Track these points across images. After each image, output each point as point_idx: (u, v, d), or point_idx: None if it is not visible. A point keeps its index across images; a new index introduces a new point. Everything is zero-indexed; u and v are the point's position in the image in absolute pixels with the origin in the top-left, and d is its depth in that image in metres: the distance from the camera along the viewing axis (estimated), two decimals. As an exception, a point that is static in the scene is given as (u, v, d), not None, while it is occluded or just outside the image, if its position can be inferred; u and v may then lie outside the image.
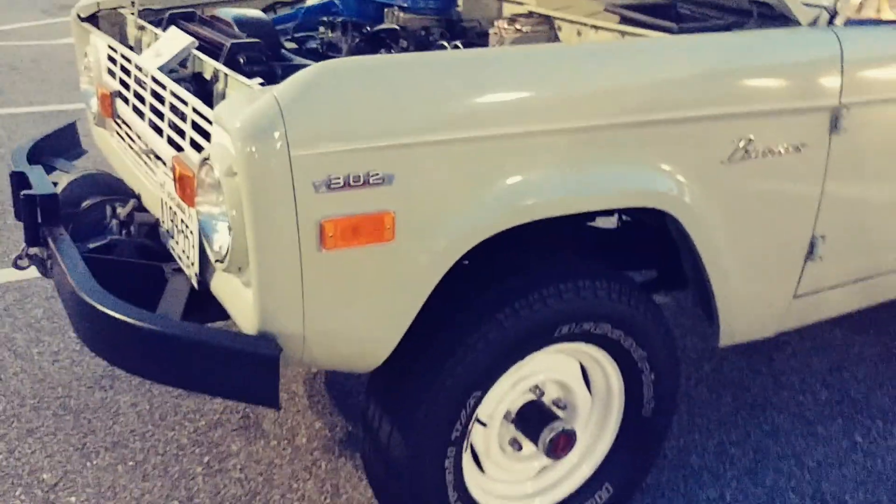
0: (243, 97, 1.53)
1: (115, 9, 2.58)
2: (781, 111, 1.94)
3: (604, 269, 1.90)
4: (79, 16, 2.58)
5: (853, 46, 2.02)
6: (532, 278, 1.81)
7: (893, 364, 3.10)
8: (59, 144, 2.60)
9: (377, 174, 1.50)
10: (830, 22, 2.04)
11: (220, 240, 1.60)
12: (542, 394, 1.98)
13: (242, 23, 2.10)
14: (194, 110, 1.73)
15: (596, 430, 2.10)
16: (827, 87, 1.99)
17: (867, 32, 2.08)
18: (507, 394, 1.92)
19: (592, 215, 2.18)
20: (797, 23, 2.01)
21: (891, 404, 2.85)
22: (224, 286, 1.69)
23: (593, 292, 1.84)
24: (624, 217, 2.38)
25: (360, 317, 1.60)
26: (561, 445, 1.92)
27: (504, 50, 1.85)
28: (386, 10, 2.47)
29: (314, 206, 1.47)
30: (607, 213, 2.05)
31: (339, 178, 1.48)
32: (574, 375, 2.02)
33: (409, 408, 1.75)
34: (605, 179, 1.76)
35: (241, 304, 1.60)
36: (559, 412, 2.00)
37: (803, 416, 2.76)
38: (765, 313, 2.20)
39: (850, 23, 2.06)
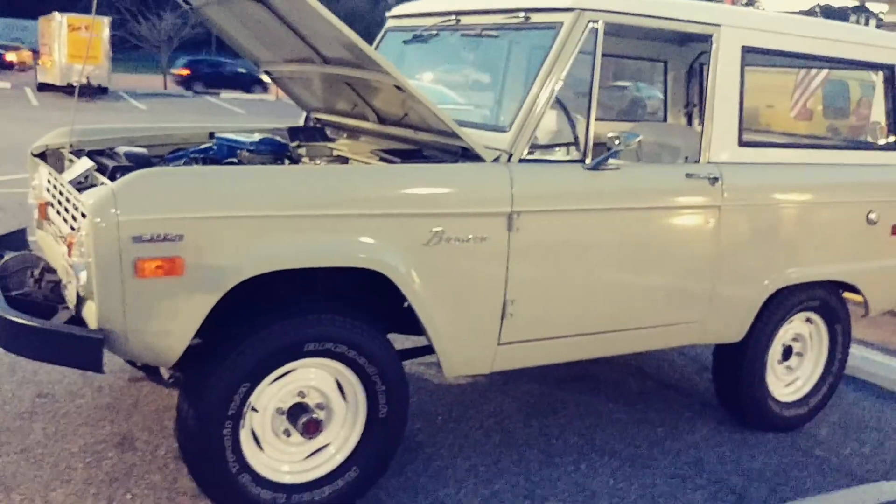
0: (99, 190, 2.60)
1: (57, 148, 3.71)
2: (466, 214, 3.00)
3: (342, 307, 2.91)
4: (32, 153, 3.71)
5: (521, 175, 3.10)
6: (286, 308, 2.83)
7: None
8: (13, 241, 3.66)
9: (172, 234, 2.55)
10: (509, 160, 3.14)
11: (83, 277, 2.62)
12: (305, 396, 2.94)
13: (128, 156, 3.21)
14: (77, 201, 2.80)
15: (349, 427, 3.03)
16: (501, 199, 3.05)
17: (532, 167, 3.16)
18: (276, 393, 2.88)
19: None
20: (483, 160, 3.11)
21: (606, 441, 3.77)
22: (87, 310, 2.70)
23: (331, 322, 2.85)
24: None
25: (160, 323, 2.60)
26: (311, 428, 2.88)
27: (260, 167, 2.95)
28: (239, 151, 3.59)
29: (132, 250, 2.51)
30: (346, 273, 3.02)
31: (148, 235, 2.52)
32: (330, 386, 2.98)
33: (198, 389, 2.73)
34: (338, 247, 2.80)
35: (92, 315, 2.60)
36: (318, 411, 2.96)
37: (547, 451, 3.68)
38: (476, 355, 3.18)
39: (522, 160, 3.16)
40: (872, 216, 4.03)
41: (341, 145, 3.87)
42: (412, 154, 3.33)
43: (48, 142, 3.74)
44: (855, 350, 5.16)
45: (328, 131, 4.21)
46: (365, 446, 3.04)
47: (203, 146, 3.83)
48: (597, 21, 3.22)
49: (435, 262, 2.98)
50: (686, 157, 3.78)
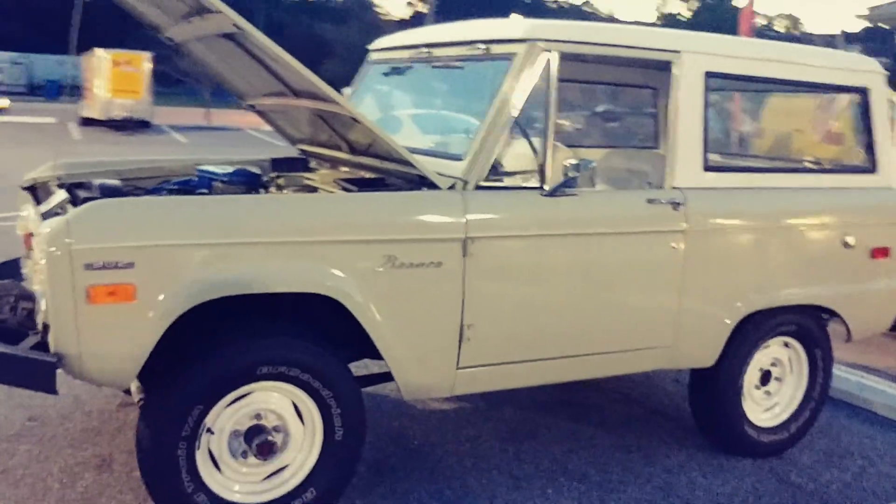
0: (54, 220, 2.73)
1: (45, 181, 3.88)
2: (419, 240, 3.08)
3: (295, 331, 3.01)
4: (21, 186, 3.89)
5: (475, 202, 3.18)
6: (238, 332, 2.93)
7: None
8: (7, 269, 3.83)
9: (123, 261, 2.67)
10: (465, 187, 3.22)
11: (43, 303, 2.76)
12: (261, 418, 3.03)
13: (102, 188, 3.36)
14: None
15: (306, 450, 3.11)
16: (455, 226, 3.13)
17: (488, 194, 3.24)
18: (233, 415, 2.98)
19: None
20: (438, 188, 3.19)
21: (578, 466, 3.80)
22: (50, 335, 2.83)
23: (284, 346, 2.95)
24: None
25: (113, 348, 2.71)
26: (265, 450, 2.98)
27: (211, 196, 3.07)
28: (213, 182, 3.73)
29: (84, 277, 2.64)
30: (295, 297, 3.10)
31: (100, 262, 2.65)
32: (287, 409, 3.07)
33: (153, 410, 2.85)
34: (287, 273, 2.90)
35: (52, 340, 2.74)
36: (274, 434, 3.04)
37: (517, 475, 3.72)
38: (435, 378, 3.24)
39: (479, 188, 3.24)
40: (849, 240, 4.02)
41: (318, 175, 3.99)
42: (373, 183, 3.43)
43: (37, 175, 3.92)
44: (850, 375, 5.12)
45: (314, 162, 4.34)
46: (322, 468, 3.11)
47: (185, 178, 3.98)
48: (551, 51, 3.30)
49: (389, 287, 3.06)
50: (650, 183, 3.82)
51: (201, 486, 2.94)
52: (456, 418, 4.32)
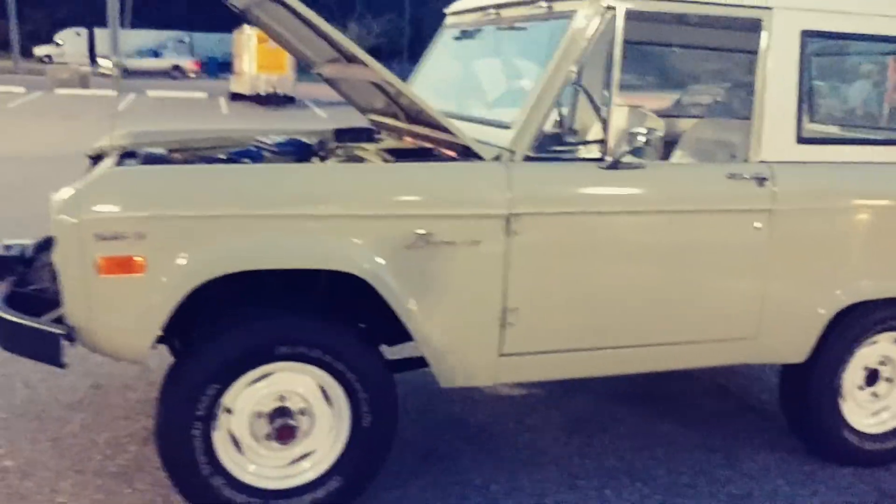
0: (67, 189, 2.65)
1: (107, 152, 3.87)
2: (454, 216, 2.83)
3: (317, 310, 2.83)
4: (87, 155, 3.89)
5: (522, 175, 2.90)
6: (256, 310, 2.77)
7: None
8: None
9: (133, 232, 2.57)
10: (511, 159, 2.94)
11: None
12: (285, 400, 2.87)
13: (145, 156, 3.28)
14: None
15: (334, 435, 2.94)
16: (497, 200, 2.86)
17: (538, 166, 2.95)
18: (254, 395, 2.83)
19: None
20: (482, 159, 2.93)
21: (646, 465, 3.45)
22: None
23: (303, 325, 2.78)
24: None
25: (124, 320, 2.62)
26: (284, 434, 2.82)
27: (229, 166, 2.93)
28: (264, 153, 3.60)
29: (94, 248, 2.55)
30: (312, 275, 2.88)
31: (110, 233, 2.55)
32: (314, 392, 2.90)
33: (168, 388, 2.74)
34: (303, 248, 2.72)
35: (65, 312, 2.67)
36: (300, 418, 2.88)
37: (574, 472, 3.42)
38: (474, 365, 2.99)
39: (527, 158, 2.95)
40: (979, 224, 3.46)
41: (372, 146, 3.79)
42: (419, 153, 3.20)
43: (103, 144, 3.91)
44: None
45: (383, 133, 4.15)
46: (349, 456, 2.93)
47: (242, 149, 3.88)
48: (615, 8, 2.95)
49: (419, 266, 2.83)
50: (734, 155, 3.41)
51: (219, 468, 2.81)
52: (521, 404, 4.06)
